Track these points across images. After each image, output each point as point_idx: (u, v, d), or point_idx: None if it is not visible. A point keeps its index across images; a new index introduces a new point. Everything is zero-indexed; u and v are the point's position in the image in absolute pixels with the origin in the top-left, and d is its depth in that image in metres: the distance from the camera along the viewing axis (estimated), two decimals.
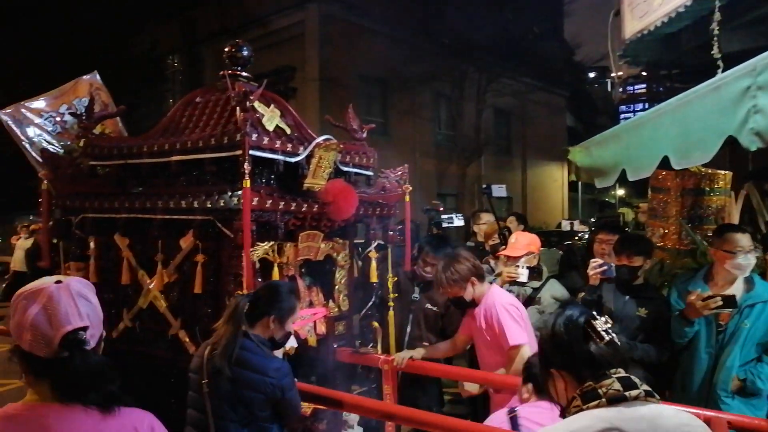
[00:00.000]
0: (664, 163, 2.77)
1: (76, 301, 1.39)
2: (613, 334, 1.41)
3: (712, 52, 3.47)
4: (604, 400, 1.32)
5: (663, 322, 3.30)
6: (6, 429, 1.31)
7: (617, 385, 1.33)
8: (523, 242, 3.76)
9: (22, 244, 11.86)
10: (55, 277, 1.44)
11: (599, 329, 1.40)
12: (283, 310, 2.41)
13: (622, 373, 1.37)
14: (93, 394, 1.35)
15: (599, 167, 3.59)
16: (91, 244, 3.34)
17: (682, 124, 2.58)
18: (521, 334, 3.05)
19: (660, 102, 3.14)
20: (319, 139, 3.05)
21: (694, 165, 3.06)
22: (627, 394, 1.32)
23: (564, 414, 1.42)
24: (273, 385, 2.30)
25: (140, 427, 1.44)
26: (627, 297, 3.39)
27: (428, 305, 3.89)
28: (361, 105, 15.88)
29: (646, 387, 1.35)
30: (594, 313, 1.46)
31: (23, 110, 3.92)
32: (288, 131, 3.11)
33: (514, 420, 2.13)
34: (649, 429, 1.29)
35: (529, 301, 3.81)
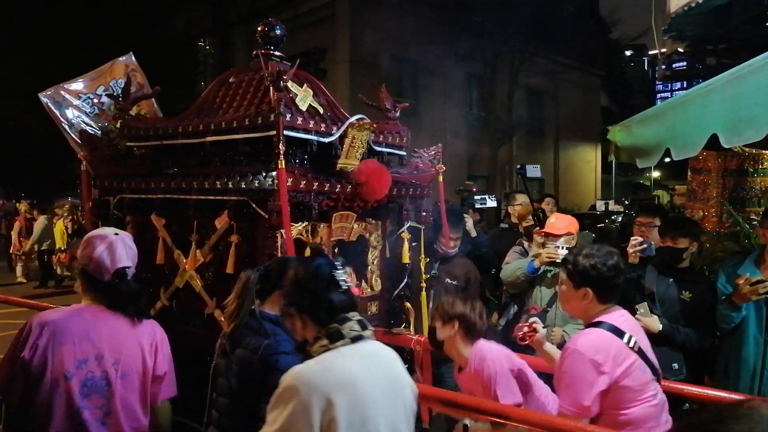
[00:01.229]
0: (710, 142, 2.66)
1: (126, 249, 2.14)
2: (350, 284, 1.71)
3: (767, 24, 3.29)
4: (348, 339, 1.60)
5: (707, 307, 3.21)
6: (79, 315, 2.05)
7: (357, 327, 1.63)
8: (563, 222, 3.70)
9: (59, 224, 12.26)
10: (113, 229, 2.22)
11: (339, 280, 1.66)
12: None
13: (357, 316, 1.66)
14: (131, 307, 2.13)
15: (641, 146, 3.47)
16: (129, 224, 3.39)
17: (733, 101, 2.47)
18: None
19: (700, 80, 3.02)
20: (353, 119, 3.01)
21: (745, 143, 2.93)
22: (363, 333, 1.63)
23: (307, 349, 1.65)
24: (257, 361, 2.01)
25: (156, 331, 2.24)
26: (671, 280, 3.30)
27: (448, 280, 3.96)
28: (392, 86, 15.68)
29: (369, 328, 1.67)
30: (336, 264, 1.73)
31: (62, 92, 3.98)
32: (321, 111, 3.09)
33: None
34: (376, 360, 1.63)
35: None
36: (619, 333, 2.12)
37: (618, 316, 2.19)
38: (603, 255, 2.17)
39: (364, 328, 1.64)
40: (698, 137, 2.70)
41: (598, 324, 2.14)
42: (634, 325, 2.27)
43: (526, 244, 4.51)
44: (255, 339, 2.11)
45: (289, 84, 2.83)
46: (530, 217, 4.79)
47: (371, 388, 1.54)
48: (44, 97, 3.97)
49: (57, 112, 3.94)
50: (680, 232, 3.25)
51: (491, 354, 2.49)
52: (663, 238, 3.31)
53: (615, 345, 2.09)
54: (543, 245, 3.78)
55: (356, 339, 1.60)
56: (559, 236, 3.60)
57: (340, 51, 16.51)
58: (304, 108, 2.92)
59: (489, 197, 5.89)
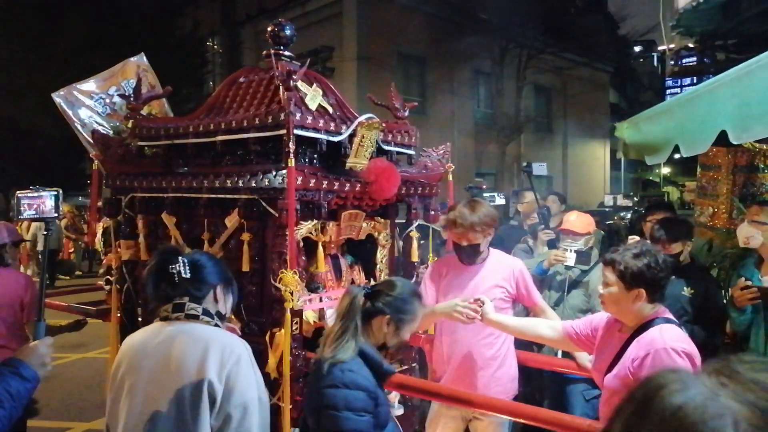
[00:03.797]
0: (720, 139, 2.65)
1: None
2: (186, 275, 1.89)
3: None
4: (159, 318, 1.90)
5: (712, 303, 3.19)
6: None
7: (170, 309, 1.87)
8: (584, 222, 3.70)
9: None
10: None
11: (172, 272, 1.88)
12: (404, 312, 2.12)
13: (181, 300, 1.87)
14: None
15: (650, 143, 3.46)
16: (140, 223, 3.42)
17: (742, 96, 2.46)
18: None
19: (709, 75, 3.01)
20: (362, 118, 3.03)
21: (755, 139, 2.92)
22: (170, 315, 1.85)
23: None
24: (319, 393, 1.95)
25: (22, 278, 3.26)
26: (673, 277, 3.30)
27: None
28: (399, 84, 15.71)
29: (192, 312, 1.86)
30: (174, 258, 1.91)
31: (75, 92, 4.03)
32: (330, 110, 3.10)
33: None
34: (162, 338, 1.81)
35: (574, 284, 3.74)
36: (678, 325, 2.14)
37: (666, 311, 2.19)
38: (653, 254, 2.15)
39: (177, 311, 1.85)
40: (707, 133, 2.69)
41: (651, 322, 2.12)
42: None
43: (530, 241, 4.52)
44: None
45: (299, 83, 2.85)
46: (535, 214, 4.80)
47: (144, 356, 1.81)
48: (57, 98, 4.01)
49: (70, 112, 3.99)
50: (670, 238, 3.24)
51: None
52: (656, 246, 3.31)
53: (686, 336, 2.12)
54: (549, 245, 3.78)
55: (164, 318, 1.87)
56: (582, 236, 3.59)
57: (348, 49, 16.53)
58: (313, 107, 2.94)
59: (497, 195, 5.91)
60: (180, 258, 1.89)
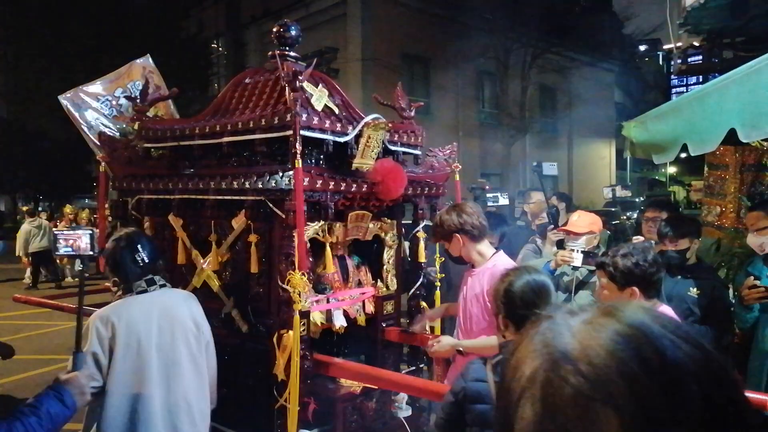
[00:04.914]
0: (728, 137, 2.63)
1: None
2: (148, 260, 2.39)
3: None
4: (135, 292, 2.35)
5: (719, 303, 3.17)
6: None
7: (144, 285, 2.36)
8: (585, 221, 3.65)
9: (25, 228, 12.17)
10: None
11: (137, 257, 2.35)
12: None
13: (150, 276, 2.39)
14: None
15: (657, 142, 3.44)
16: (147, 225, 3.43)
17: (751, 94, 2.44)
18: None
19: (716, 74, 2.99)
20: (368, 118, 3.03)
21: (765, 137, 2.90)
22: (148, 288, 2.36)
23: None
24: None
25: None
26: (678, 277, 3.27)
27: None
28: (404, 84, 15.74)
29: (161, 282, 2.42)
30: (138, 246, 2.36)
31: (82, 94, 4.04)
32: (336, 111, 3.10)
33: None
34: (152, 303, 2.34)
35: (581, 285, 3.72)
36: None
37: (667, 312, 2.17)
38: (641, 252, 2.16)
39: (150, 284, 2.37)
40: (716, 132, 2.67)
41: None
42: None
43: (539, 241, 4.50)
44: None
45: (305, 84, 2.84)
46: (544, 214, 4.77)
47: (144, 321, 2.27)
48: (64, 100, 4.02)
49: (76, 115, 4.00)
50: (678, 233, 3.22)
51: None
52: (663, 242, 3.28)
53: None
54: (558, 245, 3.75)
55: (141, 292, 2.35)
56: (580, 235, 3.56)
57: (352, 50, 16.54)
58: (319, 108, 2.94)
59: (501, 194, 5.88)
60: (138, 247, 2.37)
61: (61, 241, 2.22)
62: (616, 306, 0.61)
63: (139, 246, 2.36)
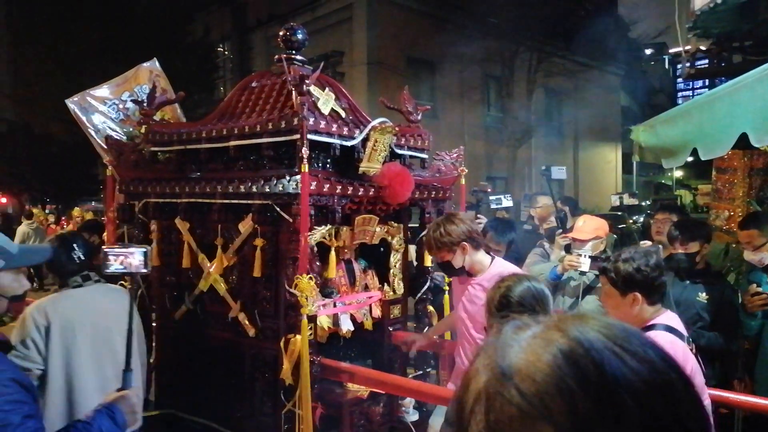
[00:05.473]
0: (737, 141, 2.61)
1: None
2: (84, 257, 2.57)
3: None
4: (70, 287, 2.54)
5: (728, 309, 3.16)
6: None
7: (79, 280, 2.54)
8: (591, 226, 3.62)
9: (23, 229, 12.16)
10: None
11: (73, 255, 2.52)
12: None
13: (86, 272, 2.57)
14: None
15: (667, 146, 3.42)
16: (154, 228, 3.43)
17: (764, 98, 2.42)
18: None
19: (723, 78, 2.97)
20: (375, 122, 3.01)
21: None
22: (83, 284, 2.54)
23: None
24: None
25: None
26: (687, 282, 3.25)
27: None
28: (409, 88, 15.74)
29: (96, 278, 2.59)
30: (74, 245, 2.55)
31: (89, 98, 4.04)
32: (343, 114, 3.09)
33: None
34: (84, 298, 2.52)
35: (588, 290, 3.69)
36: (679, 335, 2.08)
37: (671, 317, 2.15)
38: (642, 256, 2.13)
39: (86, 280, 2.56)
40: (727, 136, 2.65)
41: (652, 327, 2.08)
42: (684, 326, 2.23)
43: (546, 245, 4.47)
44: None
45: (312, 88, 2.84)
46: (552, 218, 4.74)
47: (78, 310, 2.47)
48: (71, 104, 4.03)
49: (84, 118, 4.00)
50: (689, 236, 3.20)
51: None
52: (673, 245, 3.27)
53: (680, 346, 2.05)
54: (566, 249, 3.72)
55: (76, 287, 2.53)
56: (586, 242, 3.53)
57: (358, 54, 16.55)
58: (326, 111, 2.93)
59: (504, 197, 5.83)
60: (74, 246, 2.54)
61: (111, 258, 2.11)
62: (566, 318, 0.60)
63: (74, 245, 2.56)
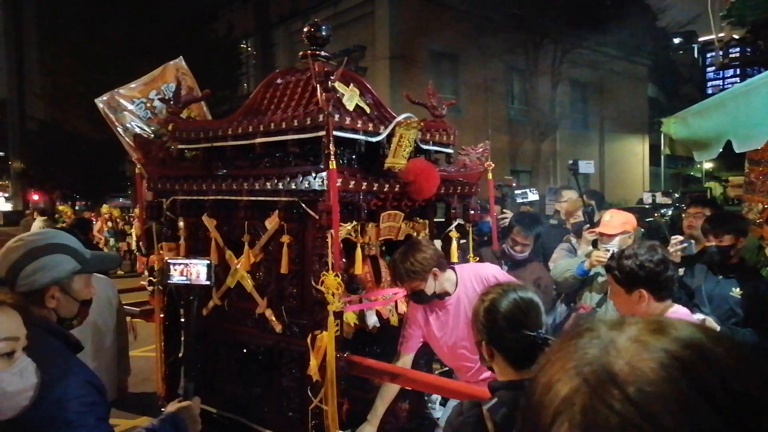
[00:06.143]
0: None
1: None
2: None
3: None
4: None
5: (762, 304, 3.07)
6: None
7: None
8: (618, 220, 3.56)
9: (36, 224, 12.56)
10: None
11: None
12: None
13: None
14: None
15: (699, 139, 3.33)
16: (181, 225, 3.46)
17: None
18: None
19: (756, 67, 2.87)
20: (400, 118, 2.99)
21: None
22: None
23: None
24: None
25: None
26: (720, 277, 3.17)
27: None
28: (432, 82, 15.68)
29: None
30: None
31: (117, 97, 4.10)
32: (368, 110, 3.08)
33: None
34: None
35: None
36: None
37: (684, 314, 2.10)
38: (646, 251, 2.09)
39: None
40: (763, 128, 2.57)
41: None
42: (717, 322, 2.18)
43: (573, 240, 4.41)
44: None
45: (336, 84, 2.83)
46: (579, 212, 4.67)
47: None
48: (100, 103, 4.09)
49: (112, 117, 4.06)
50: (723, 229, 3.12)
51: None
52: (707, 237, 3.19)
53: None
54: (593, 244, 3.67)
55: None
56: (613, 236, 3.47)
57: (380, 48, 16.53)
58: (351, 108, 2.92)
59: (530, 191, 5.77)
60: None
61: (173, 269, 2.14)
62: (665, 321, 0.55)
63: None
